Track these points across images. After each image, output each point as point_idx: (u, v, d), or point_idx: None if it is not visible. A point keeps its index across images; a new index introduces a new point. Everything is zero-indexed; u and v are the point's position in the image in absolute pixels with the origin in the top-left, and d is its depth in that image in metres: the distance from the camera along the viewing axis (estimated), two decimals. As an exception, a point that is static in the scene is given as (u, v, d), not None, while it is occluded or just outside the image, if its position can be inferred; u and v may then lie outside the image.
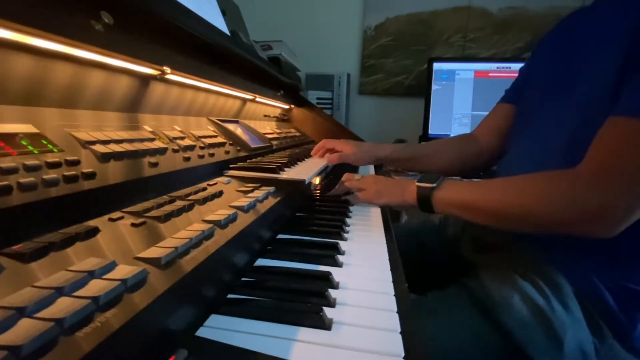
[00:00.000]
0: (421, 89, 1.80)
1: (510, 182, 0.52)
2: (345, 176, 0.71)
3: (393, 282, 0.38)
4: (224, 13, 0.80)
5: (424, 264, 0.75)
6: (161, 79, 0.52)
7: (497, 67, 1.61)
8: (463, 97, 1.67)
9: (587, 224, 0.44)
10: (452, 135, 1.70)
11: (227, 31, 0.77)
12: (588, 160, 0.45)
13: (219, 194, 0.46)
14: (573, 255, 0.50)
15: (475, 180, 0.57)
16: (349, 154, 0.83)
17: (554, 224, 0.46)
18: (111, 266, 0.23)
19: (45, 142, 0.32)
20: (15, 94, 0.33)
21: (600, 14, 0.54)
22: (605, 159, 0.43)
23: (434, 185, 0.56)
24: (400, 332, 0.29)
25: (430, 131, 1.71)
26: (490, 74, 1.63)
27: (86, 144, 0.36)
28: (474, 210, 0.53)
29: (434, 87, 1.70)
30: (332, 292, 0.34)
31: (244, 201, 0.44)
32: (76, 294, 0.19)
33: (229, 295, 0.33)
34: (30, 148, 0.30)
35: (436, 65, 1.69)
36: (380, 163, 0.91)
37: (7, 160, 0.27)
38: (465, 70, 1.66)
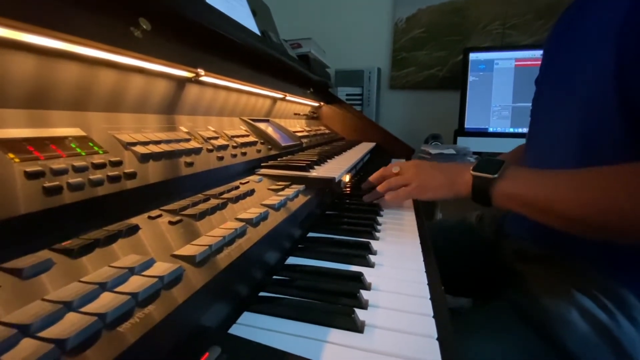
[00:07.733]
0: (456, 81, 1.73)
1: (589, 178, 0.41)
2: (380, 173, 0.63)
3: (428, 284, 0.36)
4: (254, 14, 0.82)
5: (456, 264, 0.70)
6: (196, 81, 0.54)
7: (542, 55, 1.50)
8: (503, 88, 1.58)
9: None
10: (490, 129, 1.61)
11: (258, 32, 0.78)
12: None
13: (251, 192, 0.46)
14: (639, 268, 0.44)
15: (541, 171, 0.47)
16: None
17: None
18: (149, 263, 0.24)
19: (91, 144, 0.34)
20: (65, 100, 0.35)
21: None
22: None
23: (496, 176, 0.47)
24: (437, 339, 0.27)
25: (467, 125, 1.64)
26: (533, 63, 1.51)
27: (128, 146, 0.38)
28: (546, 211, 0.44)
29: (470, 78, 1.61)
30: (364, 294, 0.33)
31: (275, 199, 0.44)
32: (117, 289, 0.20)
33: (261, 293, 0.33)
34: (79, 150, 0.32)
35: (472, 56, 1.60)
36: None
37: (58, 162, 0.29)
38: (505, 59, 1.56)
